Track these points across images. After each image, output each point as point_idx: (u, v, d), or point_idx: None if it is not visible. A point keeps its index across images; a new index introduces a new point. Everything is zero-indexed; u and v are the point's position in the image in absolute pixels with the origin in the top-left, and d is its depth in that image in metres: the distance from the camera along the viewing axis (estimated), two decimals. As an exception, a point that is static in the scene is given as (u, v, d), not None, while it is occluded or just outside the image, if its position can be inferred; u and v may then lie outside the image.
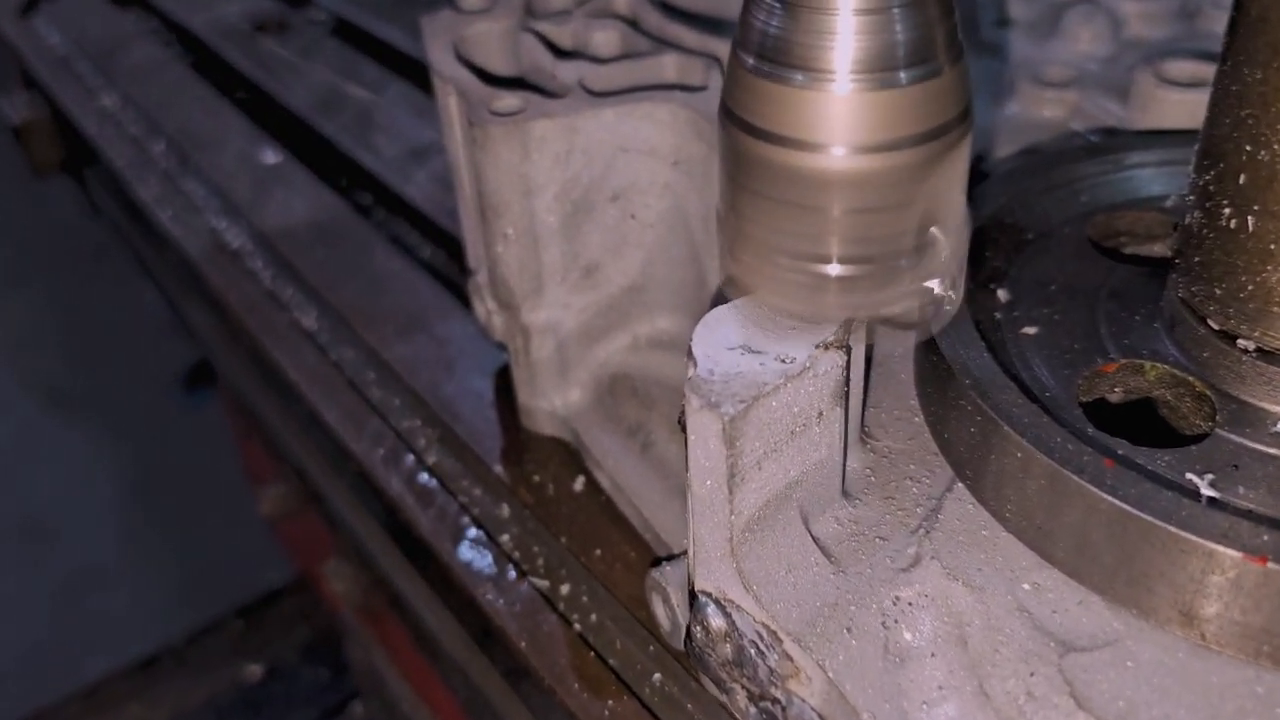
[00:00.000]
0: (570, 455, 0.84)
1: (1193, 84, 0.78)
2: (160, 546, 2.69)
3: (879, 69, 0.47)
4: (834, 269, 0.51)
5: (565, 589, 0.76)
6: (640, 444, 0.79)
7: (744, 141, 0.50)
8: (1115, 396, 0.61)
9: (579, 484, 0.82)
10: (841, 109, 0.48)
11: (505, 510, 0.82)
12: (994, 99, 0.90)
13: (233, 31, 1.60)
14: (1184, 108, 0.78)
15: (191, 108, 1.42)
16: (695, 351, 0.53)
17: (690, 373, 0.52)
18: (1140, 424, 0.61)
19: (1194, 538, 0.48)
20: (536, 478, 0.83)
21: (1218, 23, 0.96)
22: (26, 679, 2.34)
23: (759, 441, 0.51)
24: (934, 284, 0.54)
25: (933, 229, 0.52)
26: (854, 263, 0.51)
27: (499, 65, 0.87)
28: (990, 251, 0.67)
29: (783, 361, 0.51)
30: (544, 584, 0.76)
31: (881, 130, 0.48)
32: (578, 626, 0.73)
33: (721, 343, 0.53)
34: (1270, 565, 0.47)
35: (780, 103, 0.48)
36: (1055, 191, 0.71)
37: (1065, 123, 0.87)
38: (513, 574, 0.78)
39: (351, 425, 0.93)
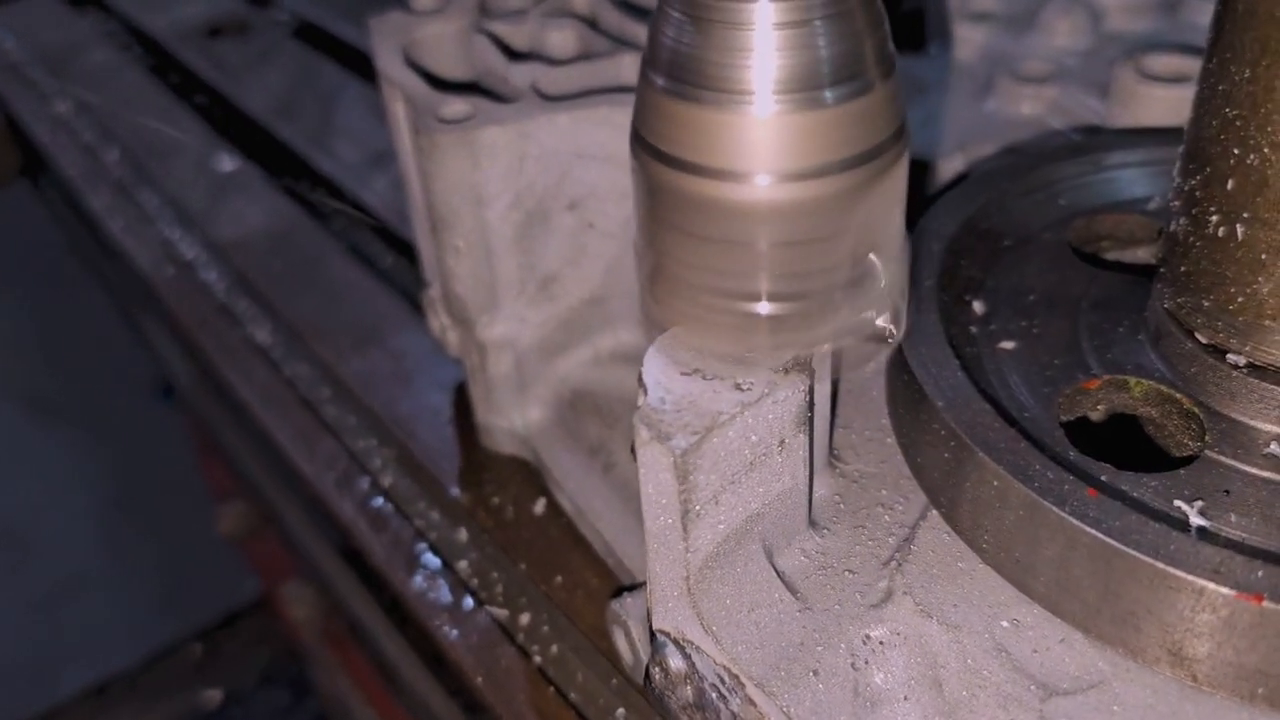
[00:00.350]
0: (531, 475, 0.80)
1: (1176, 79, 0.75)
2: (140, 557, 2.64)
3: (803, 88, 0.43)
4: (763, 307, 0.47)
5: (525, 619, 0.72)
6: (602, 464, 0.75)
7: (658, 171, 0.46)
8: (1098, 415, 0.58)
9: (539, 506, 0.78)
10: (763, 133, 0.43)
11: (463, 534, 0.78)
12: (970, 95, 0.87)
13: (192, 34, 1.55)
14: (1167, 104, 0.75)
15: (147, 113, 1.38)
16: (645, 379, 0.49)
17: (640, 401, 0.48)
18: (1124, 441, 0.58)
19: (1184, 574, 0.45)
20: (495, 500, 0.79)
21: (1201, 14, 0.93)
22: (1, 690, 2.30)
23: (715, 475, 0.48)
24: (873, 317, 0.50)
25: (870, 256, 0.48)
26: (784, 300, 0.47)
27: (451, 69, 0.83)
28: (965, 260, 0.64)
29: (740, 389, 0.48)
30: (503, 614, 0.72)
31: (809, 155, 0.44)
32: (537, 659, 0.69)
33: (674, 368, 0.49)
34: (1267, 604, 0.43)
35: (695, 128, 0.44)
36: (1034, 194, 0.68)
37: (1044, 119, 0.84)
38: (470, 603, 0.74)
39: (304, 445, 0.89)
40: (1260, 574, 0.44)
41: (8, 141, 1.58)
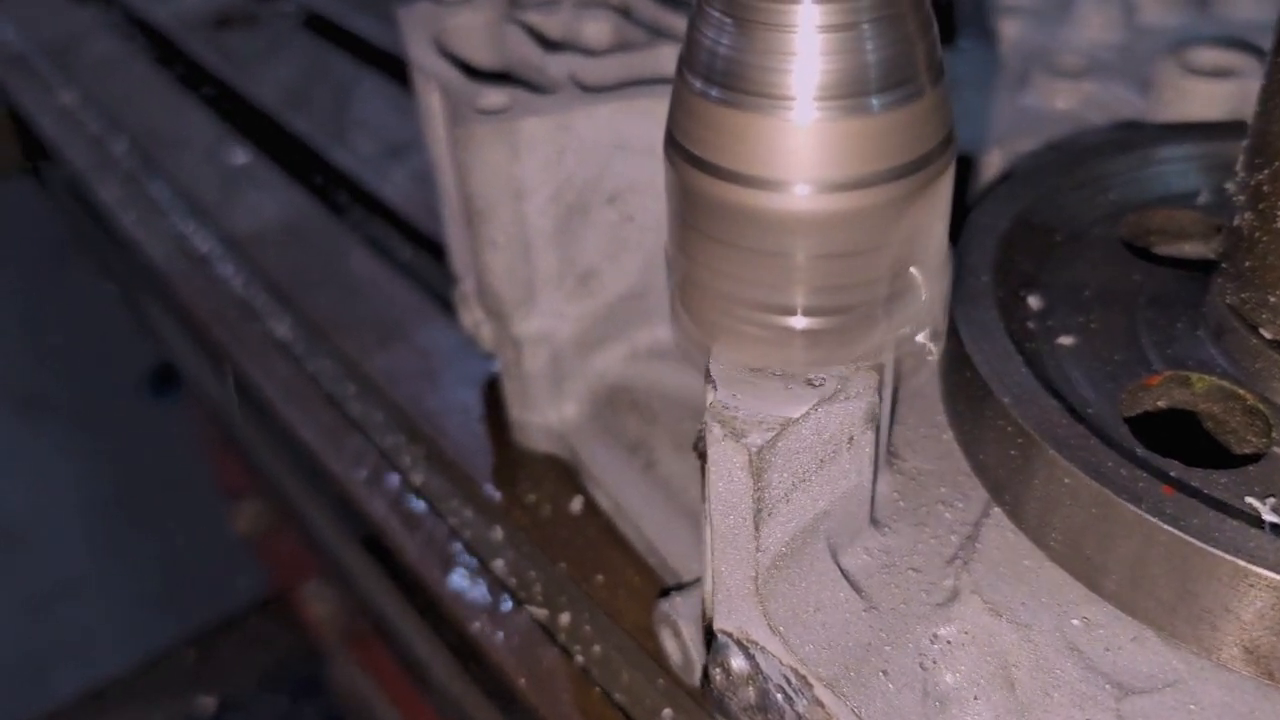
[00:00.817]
0: (566, 473, 0.78)
1: (1219, 73, 0.74)
2: (135, 556, 2.62)
3: (848, 94, 0.41)
4: (799, 321, 0.45)
5: (565, 618, 0.71)
6: (643, 462, 0.74)
7: (693, 177, 0.44)
8: (1157, 411, 0.57)
9: (577, 504, 0.77)
10: (804, 141, 0.41)
11: (499, 533, 0.77)
12: (1005, 90, 0.86)
13: (198, 24, 1.53)
14: (1210, 99, 0.74)
15: (154, 105, 1.36)
16: (714, 372, 0.48)
17: (710, 397, 0.47)
18: (1181, 437, 0.57)
19: (1263, 571, 0.44)
20: (531, 498, 0.78)
21: (1233, 7, 0.92)
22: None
23: (788, 473, 0.47)
24: (913, 332, 0.48)
25: (911, 270, 0.46)
26: (821, 314, 0.45)
27: (483, 59, 0.82)
28: (1019, 255, 0.63)
29: (813, 384, 0.47)
30: (542, 613, 0.71)
31: (852, 165, 0.42)
32: (580, 659, 0.68)
33: (744, 367, 0.48)
34: (1351, 601, 0.43)
35: (734, 133, 0.42)
36: (1083, 189, 0.67)
37: (1080, 114, 0.83)
38: (508, 603, 0.73)
39: (331, 443, 0.87)
40: (1342, 571, 0.44)
41: (10, 133, 1.56)
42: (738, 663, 0.53)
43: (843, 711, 0.49)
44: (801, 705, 0.51)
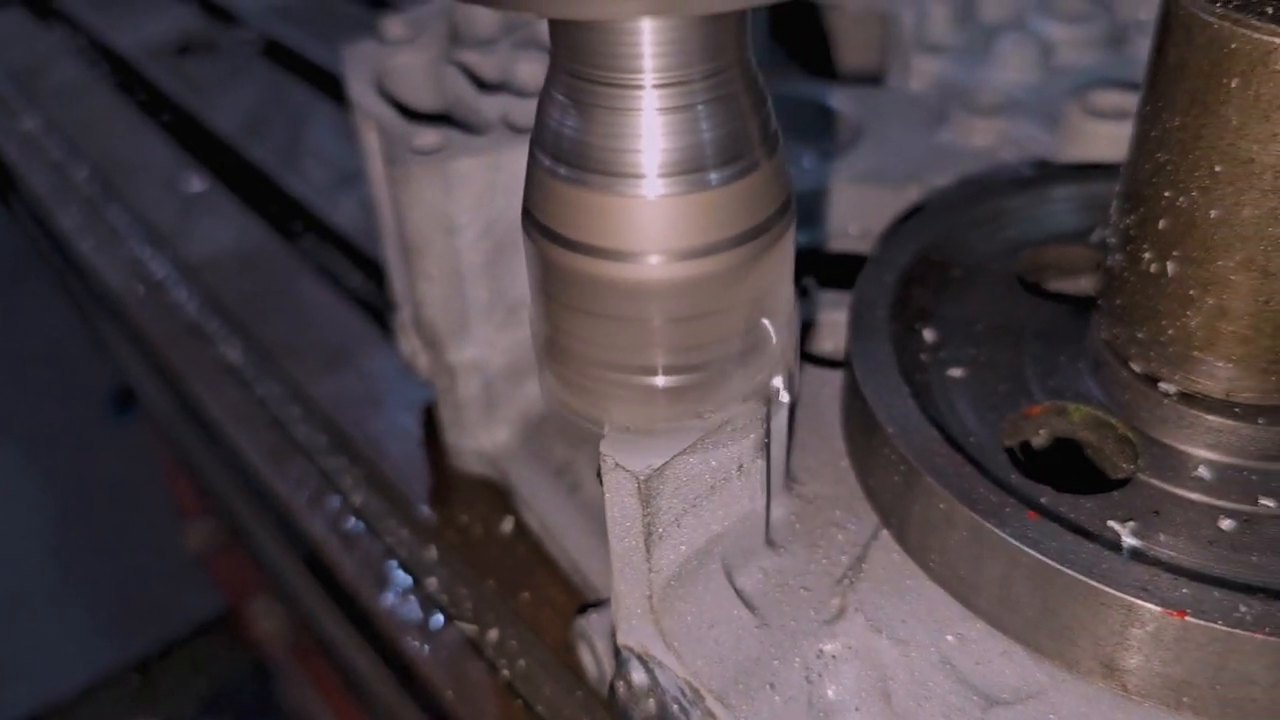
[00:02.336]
0: (498, 495, 0.82)
1: (1119, 115, 0.79)
2: (84, 576, 2.62)
3: (688, 170, 0.43)
4: (659, 380, 0.48)
5: (493, 634, 0.74)
6: (568, 484, 0.77)
7: (550, 250, 0.46)
8: (1040, 440, 0.61)
9: (507, 525, 0.80)
10: (651, 215, 0.44)
11: (432, 552, 0.80)
12: (924, 126, 0.90)
13: (160, 51, 1.56)
14: (1111, 140, 0.78)
15: (115, 131, 1.39)
16: (611, 406, 0.52)
17: (605, 429, 0.51)
18: (1067, 462, 0.61)
19: (1114, 592, 0.48)
20: (464, 519, 0.81)
21: (1145, 49, 0.97)
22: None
23: (677, 499, 0.50)
24: (767, 379, 0.51)
25: (763, 321, 0.49)
26: (681, 372, 0.48)
27: (423, 98, 0.85)
28: (917, 289, 0.67)
29: (699, 416, 0.50)
30: (471, 629, 0.74)
31: (696, 235, 0.44)
32: (505, 673, 0.71)
33: (638, 396, 0.52)
34: (1189, 619, 0.46)
35: (584, 209, 0.44)
36: (983, 226, 0.71)
37: (995, 151, 0.87)
38: (439, 619, 0.76)
39: (274, 464, 0.90)
40: (1184, 591, 0.47)
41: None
42: (638, 676, 0.56)
43: (732, 722, 0.53)
44: (695, 717, 0.54)
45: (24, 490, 2.85)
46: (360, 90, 0.80)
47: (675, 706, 0.55)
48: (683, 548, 0.52)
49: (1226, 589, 0.47)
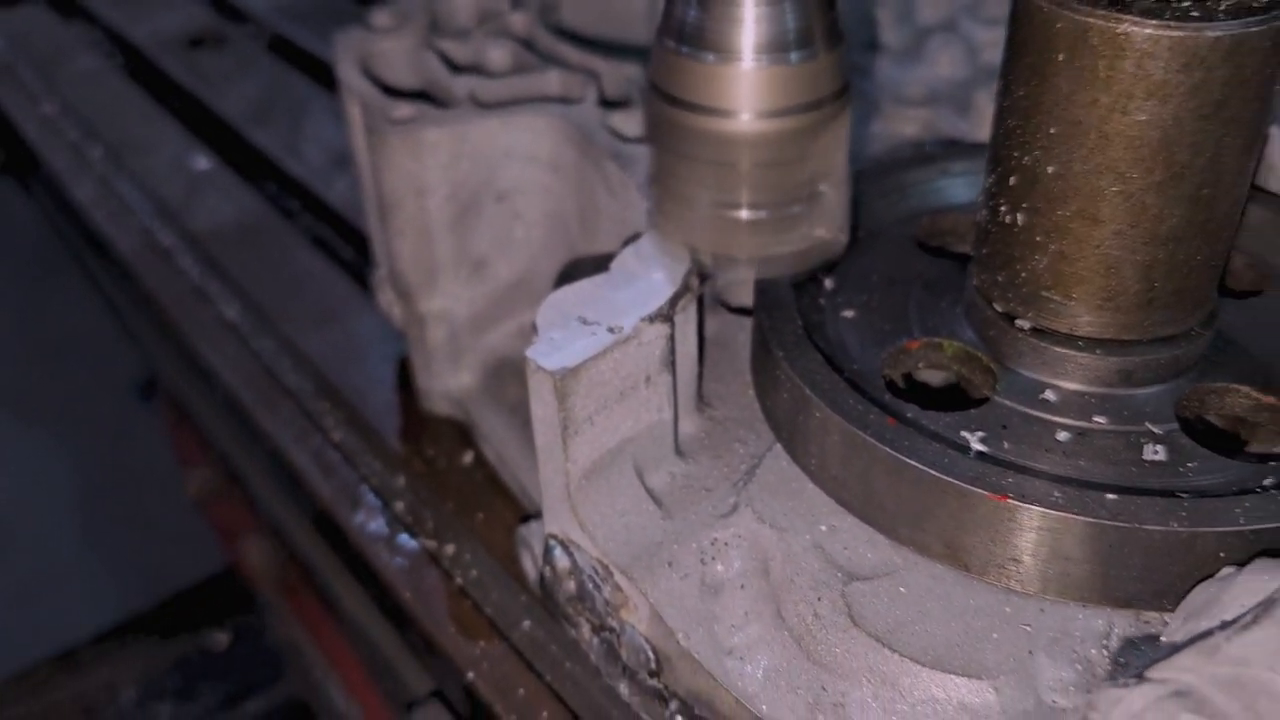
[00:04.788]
0: (461, 432, 0.92)
1: (1019, 104, 0.88)
2: (112, 554, 2.70)
3: (774, 49, 0.57)
4: (744, 214, 0.60)
5: (450, 549, 0.83)
6: (521, 420, 0.87)
7: (668, 111, 0.59)
8: (920, 372, 0.70)
9: (468, 458, 0.90)
10: (746, 82, 0.57)
11: (400, 480, 0.90)
12: (859, 118, 1.00)
13: (172, 44, 1.67)
14: (1011, 124, 0.87)
15: (128, 115, 1.49)
16: (538, 324, 0.61)
17: (533, 340, 0.60)
18: (953, 400, 0.70)
19: (952, 480, 0.57)
20: (430, 452, 0.91)
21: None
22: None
23: (589, 399, 0.60)
24: (823, 229, 0.63)
25: (821, 184, 0.62)
26: (759, 208, 0.60)
27: (403, 79, 0.95)
28: (823, 247, 0.76)
29: (611, 331, 0.60)
30: (431, 544, 0.84)
31: (776, 99, 0.58)
32: (459, 581, 0.81)
33: (561, 317, 0.62)
34: (1010, 501, 0.55)
35: (698, 77, 0.58)
36: (888, 196, 0.81)
37: (921, 138, 0.97)
38: (404, 536, 0.86)
39: (266, 407, 1.00)
40: (1010, 480, 0.57)
41: (-6, 139, 1.69)
42: (561, 560, 0.65)
43: (636, 594, 0.62)
44: (607, 591, 0.63)
45: (54, 471, 2.94)
46: (347, 70, 0.90)
47: (590, 584, 0.64)
48: (596, 445, 0.62)
49: (1047, 479, 0.57)
